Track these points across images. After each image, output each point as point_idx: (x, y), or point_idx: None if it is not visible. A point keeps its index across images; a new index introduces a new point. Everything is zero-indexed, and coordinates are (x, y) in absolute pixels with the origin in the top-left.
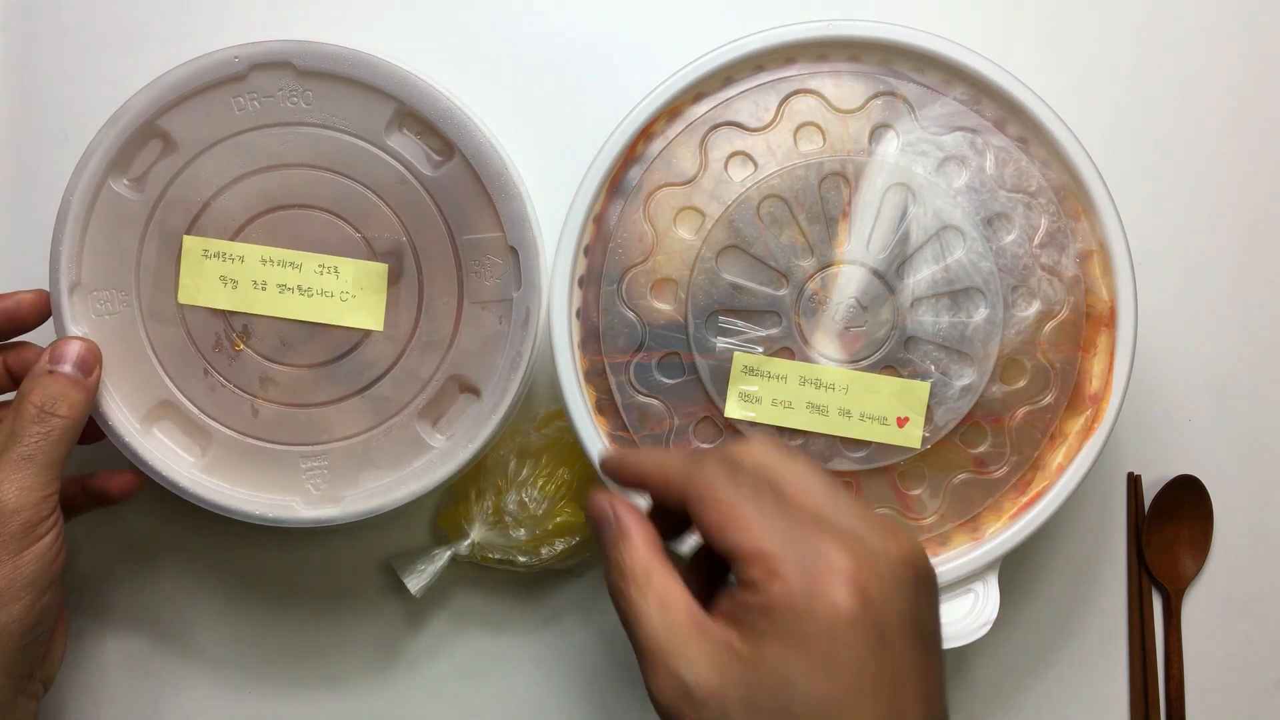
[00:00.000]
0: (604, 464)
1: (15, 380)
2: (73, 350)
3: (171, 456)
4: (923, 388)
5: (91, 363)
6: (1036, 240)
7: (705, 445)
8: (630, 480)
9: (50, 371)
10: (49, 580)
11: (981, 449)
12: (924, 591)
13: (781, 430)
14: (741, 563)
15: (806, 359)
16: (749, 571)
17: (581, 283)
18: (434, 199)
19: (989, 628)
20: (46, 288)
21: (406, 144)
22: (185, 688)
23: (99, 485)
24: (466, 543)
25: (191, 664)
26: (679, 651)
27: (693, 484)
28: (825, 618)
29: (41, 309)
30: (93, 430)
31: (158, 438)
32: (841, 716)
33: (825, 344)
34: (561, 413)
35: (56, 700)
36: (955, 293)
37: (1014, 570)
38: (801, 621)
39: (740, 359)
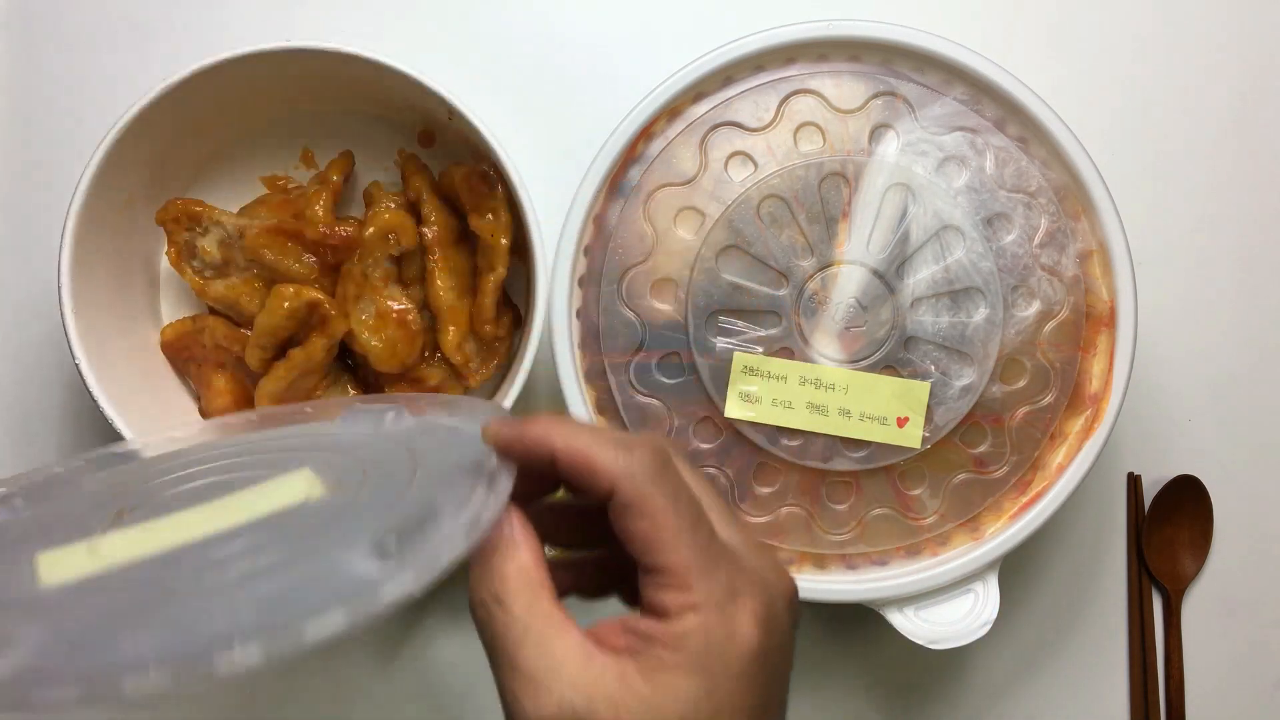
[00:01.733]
0: (498, 436)
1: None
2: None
3: None
4: (923, 388)
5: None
6: (1036, 240)
7: (705, 445)
8: (535, 456)
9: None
10: None
11: (981, 449)
12: (797, 625)
13: (781, 430)
14: (659, 586)
15: (806, 359)
16: (663, 597)
17: (582, 283)
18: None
19: (989, 628)
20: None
21: None
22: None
23: None
24: None
25: None
26: (565, 677)
27: (631, 484)
28: (736, 658)
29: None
30: None
31: None
32: None
33: (825, 344)
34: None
35: None
36: (955, 293)
37: (1014, 570)
38: (713, 658)
39: (740, 359)
